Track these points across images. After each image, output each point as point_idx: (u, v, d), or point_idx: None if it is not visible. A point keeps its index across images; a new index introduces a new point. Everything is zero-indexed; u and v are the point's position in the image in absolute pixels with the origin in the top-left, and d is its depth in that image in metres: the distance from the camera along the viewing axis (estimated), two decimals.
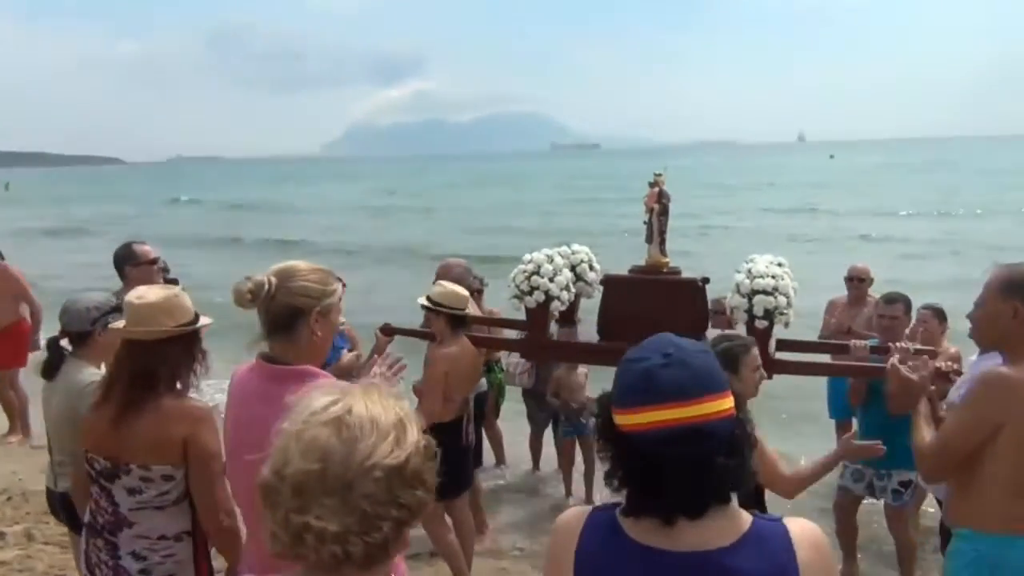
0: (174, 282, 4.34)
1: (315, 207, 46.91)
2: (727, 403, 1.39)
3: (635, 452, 1.39)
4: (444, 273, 5.62)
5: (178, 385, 2.71)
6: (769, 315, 4.19)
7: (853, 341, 4.78)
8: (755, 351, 3.42)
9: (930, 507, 5.41)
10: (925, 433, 2.75)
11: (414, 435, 1.26)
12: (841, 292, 6.57)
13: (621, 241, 17.05)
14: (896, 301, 5.17)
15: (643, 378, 1.38)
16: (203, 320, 2.75)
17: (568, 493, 6.52)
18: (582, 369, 6.18)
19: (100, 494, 2.70)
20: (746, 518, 1.42)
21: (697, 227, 26.28)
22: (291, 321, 2.22)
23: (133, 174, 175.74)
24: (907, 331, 5.22)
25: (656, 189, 4.70)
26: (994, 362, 3.59)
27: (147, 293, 2.65)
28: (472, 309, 4.96)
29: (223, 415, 2.41)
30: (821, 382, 6.45)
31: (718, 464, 1.37)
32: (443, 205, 45.37)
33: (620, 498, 1.47)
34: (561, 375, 6.20)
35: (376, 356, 5.15)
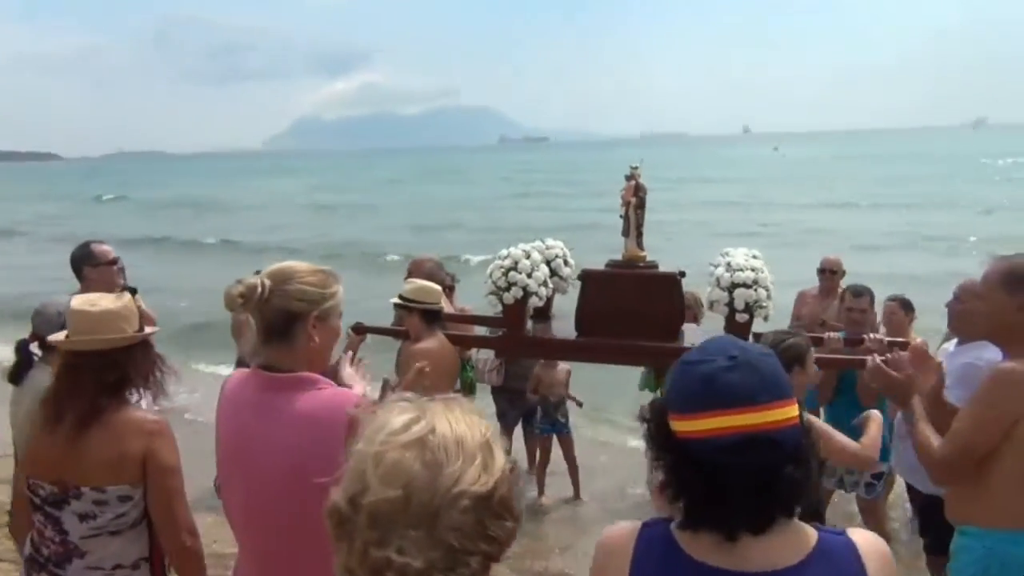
0: (132, 290, 4.15)
1: (256, 203, 45.81)
2: (794, 410, 1.31)
3: (695, 461, 1.30)
4: (415, 269, 5.53)
5: (136, 397, 2.55)
6: (749, 308, 4.18)
7: (828, 333, 4.81)
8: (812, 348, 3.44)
9: None
10: (929, 435, 2.66)
11: (501, 458, 1.14)
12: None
13: (575, 237, 17.01)
14: (863, 294, 5.22)
15: (705, 381, 1.29)
16: (148, 328, 2.60)
17: (540, 492, 6.44)
18: (563, 365, 6.13)
19: (45, 523, 2.47)
20: (811, 533, 1.35)
21: (651, 222, 26.41)
22: (287, 326, 2.07)
23: (68, 170, 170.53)
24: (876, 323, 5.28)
25: (633, 182, 4.65)
26: (977, 353, 3.63)
27: (100, 299, 2.49)
28: (444, 305, 4.87)
29: (211, 424, 2.27)
30: None
31: (785, 475, 1.28)
32: (389, 201, 44.80)
33: (660, 510, 1.39)
34: (541, 371, 6.15)
35: (345, 355, 5.04)
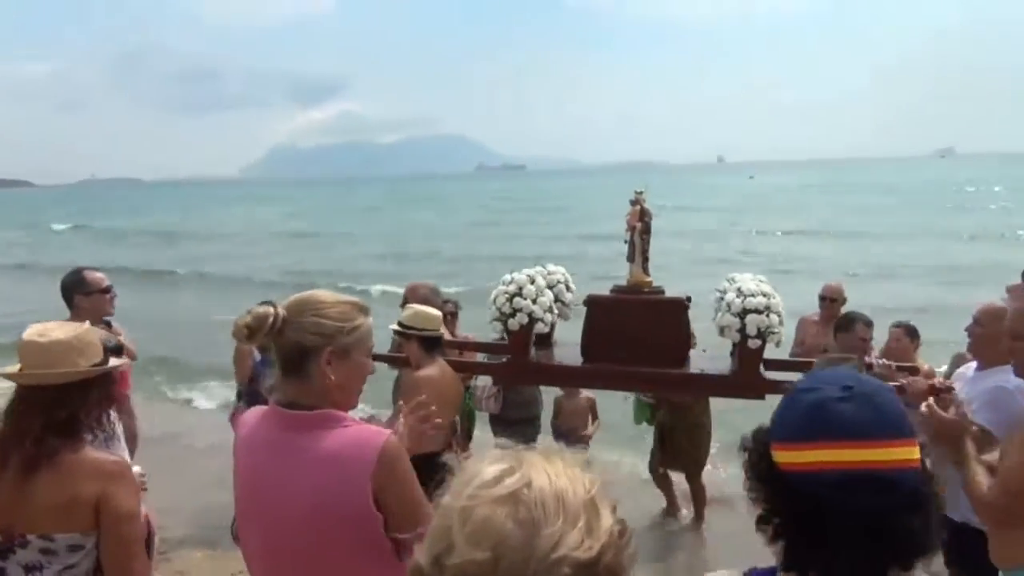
0: (106, 322, 3.97)
1: (226, 232, 44.69)
2: (914, 452, 1.18)
3: (797, 498, 1.18)
4: (411, 295, 5.41)
5: (91, 436, 2.35)
6: (762, 334, 4.09)
7: (878, 360, 4.67)
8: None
9: None
10: (980, 474, 2.55)
11: (608, 519, 0.98)
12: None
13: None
14: (872, 325, 5.15)
15: (815, 410, 1.18)
16: (114, 361, 2.41)
17: None
18: (585, 394, 6.02)
19: None
20: None
21: (618, 254, 26.30)
22: (300, 361, 1.93)
23: (41, 196, 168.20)
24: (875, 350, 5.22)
25: (638, 207, 4.58)
26: (1004, 377, 3.57)
27: (53, 330, 2.31)
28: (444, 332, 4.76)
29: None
30: (774, 401, 6.42)
31: (901, 523, 1.15)
32: (365, 231, 43.91)
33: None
34: (562, 400, 6.06)
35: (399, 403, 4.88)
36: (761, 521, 1.24)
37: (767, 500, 1.23)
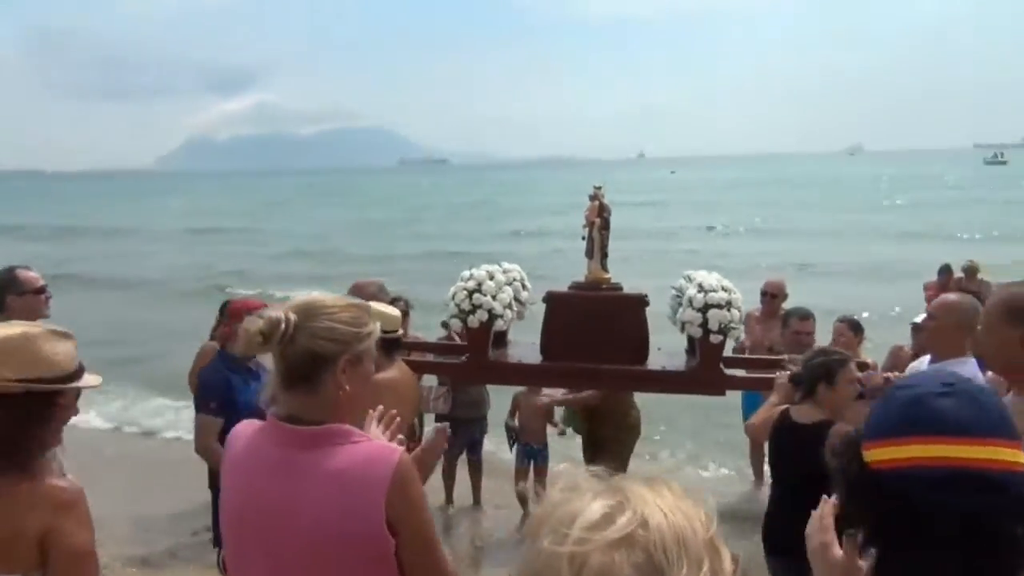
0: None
1: (125, 229, 41.04)
2: (1021, 457, 1.10)
3: (890, 498, 1.10)
4: (357, 294, 5.24)
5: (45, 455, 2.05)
6: (723, 329, 4.11)
7: (790, 355, 4.75)
8: (852, 365, 3.36)
9: None
10: None
11: (728, 560, 0.87)
12: None
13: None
14: (809, 317, 5.27)
15: (912, 405, 1.12)
16: (88, 379, 2.07)
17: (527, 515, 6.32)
18: (547, 392, 5.96)
19: None
20: None
21: (551, 251, 26.23)
22: (312, 371, 1.76)
23: None
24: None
25: (596, 203, 4.54)
26: (958, 369, 3.67)
27: None
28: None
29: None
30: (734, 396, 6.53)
31: (1004, 528, 1.06)
32: (271, 227, 41.30)
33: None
34: (521, 397, 5.97)
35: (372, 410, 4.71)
36: (848, 526, 1.16)
37: (858, 504, 1.16)
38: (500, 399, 6.41)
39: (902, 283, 16.26)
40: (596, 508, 0.85)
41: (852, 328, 5.61)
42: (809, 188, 63.37)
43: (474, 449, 6.25)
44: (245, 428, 1.89)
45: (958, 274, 9.84)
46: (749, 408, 6.62)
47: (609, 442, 6.02)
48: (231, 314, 4.52)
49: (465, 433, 6.10)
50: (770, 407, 4.03)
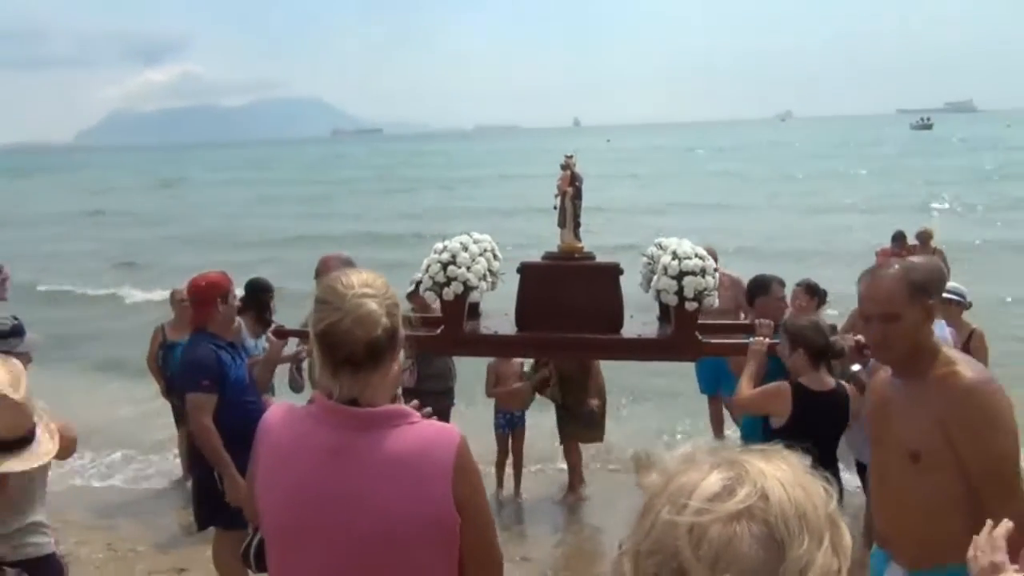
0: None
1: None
2: None
3: None
4: (323, 269, 5.16)
5: None
6: (699, 296, 4.14)
7: (759, 320, 4.79)
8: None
9: None
10: None
11: (847, 535, 0.86)
12: None
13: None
14: (783, 284, 5.33)
15: None
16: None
17: (499, 485, 6.61)
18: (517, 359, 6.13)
19: None
20: None
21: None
22: (384, 350, 1.69)
23: None
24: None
25: (568, 172, 4.50)
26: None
27: None
28: None
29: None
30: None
31: None
32: (176, 210, 37.88)
33: None
34: (496, 365, 6.16)
35: (270, 360, 4.66)
36: None
37: None
38: (465, 371, 6.45)
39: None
40: (715, 480, 0.85)
41: (808, 291, 5.73)
42: (756, 159, 63.78)
43: (442, 421, 6.29)
44: (285, 413, 1.83)
45: (912, 242, 9.95)
46: (703, 374, 6.76)
47: (584, 408, 6.11)
48: (198, 292, 4.41)
49: (433, 405, 6.08)
50: (750, 377, 4.14)
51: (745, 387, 4.18)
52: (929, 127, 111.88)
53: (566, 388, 6.17)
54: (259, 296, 5.96)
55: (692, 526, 0.82)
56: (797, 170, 47.59)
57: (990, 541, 1.24)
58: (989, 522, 1.28)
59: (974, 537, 1.38)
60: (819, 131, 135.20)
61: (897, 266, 2.58)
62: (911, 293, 2.47)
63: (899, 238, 9.91)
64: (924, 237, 10.09)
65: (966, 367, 2.46)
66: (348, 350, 1.68)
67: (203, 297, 4.40)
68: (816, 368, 4.12)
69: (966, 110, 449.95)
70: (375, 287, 1.73)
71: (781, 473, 0.86)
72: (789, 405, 4.04)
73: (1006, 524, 1.25)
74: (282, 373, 5.30)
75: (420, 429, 1.73)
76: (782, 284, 5.29)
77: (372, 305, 1.69)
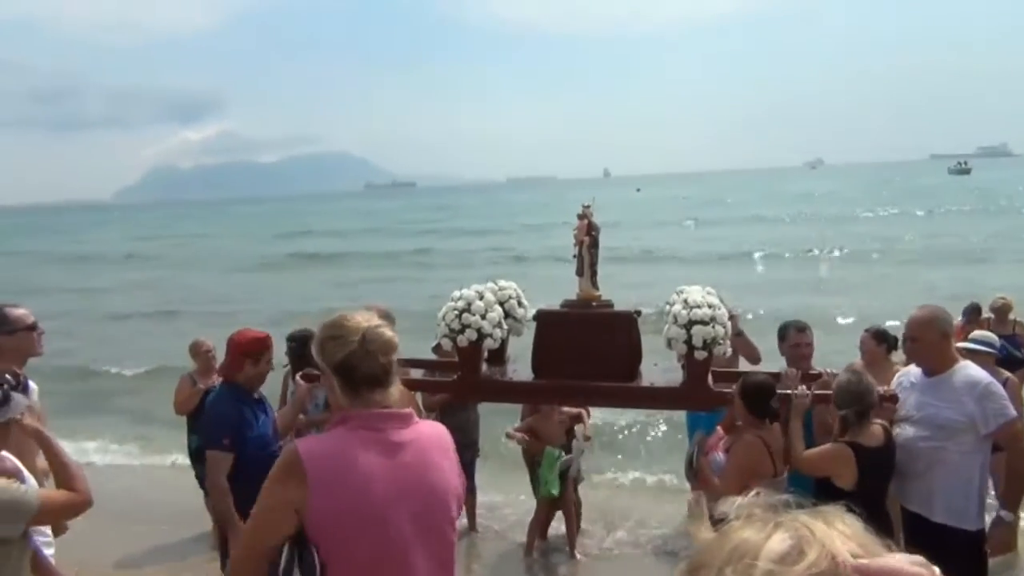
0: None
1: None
2: None
3: None
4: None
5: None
6: (708, 345, 4.19)
7: (786, 369, 4.73)
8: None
9: None
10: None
11: None
12: None
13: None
14: (807, 328, 5.28)
15: None
16: None
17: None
18: (563, 411, 6.12)
19: None
20: None
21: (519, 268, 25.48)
22: (393, 366, 2.25)
23: None
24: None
25: (585, 221, 4.62)
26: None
27: None
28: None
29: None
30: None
31: None
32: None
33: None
34: (535, 422, 6.17)
35: (300, 406, 4.78)
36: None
37: None
38: (489, 423, 6.48)
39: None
40: (780, 539, 0.81)
41: (876, 338, 5.43)
42: (774, 204, 63.41)
43: (466, 474, 6.32)
44: (327, 440, 2.19)
45: (987, 314, 8.56)
46: (694, 424, 6.58)
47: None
48: (234, 346, 4.48)
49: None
50: (798, 434, 4.21)
51: (798, 446, 4.16)
52: (967, 172, 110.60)
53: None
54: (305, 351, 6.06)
55: None
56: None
57: None
58: None
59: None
60: (853, 178, 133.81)
61: None
62: None
63: (972, 311, 8.56)
64: (1002, 310, 8.49)
65: None
66: (382, 369, 2.21)
67: (240, 351, 4.44)
68: (864, 424, 4.10)
69: (1001, 154, 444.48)
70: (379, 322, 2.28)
71: (839, 533, 0.83)
72: (855, 469, 3.97)
73: None
74: None
75: (425, 422, 2.35)
76: (800, 329, 5.28)
77: (388, 333, 2.24)
